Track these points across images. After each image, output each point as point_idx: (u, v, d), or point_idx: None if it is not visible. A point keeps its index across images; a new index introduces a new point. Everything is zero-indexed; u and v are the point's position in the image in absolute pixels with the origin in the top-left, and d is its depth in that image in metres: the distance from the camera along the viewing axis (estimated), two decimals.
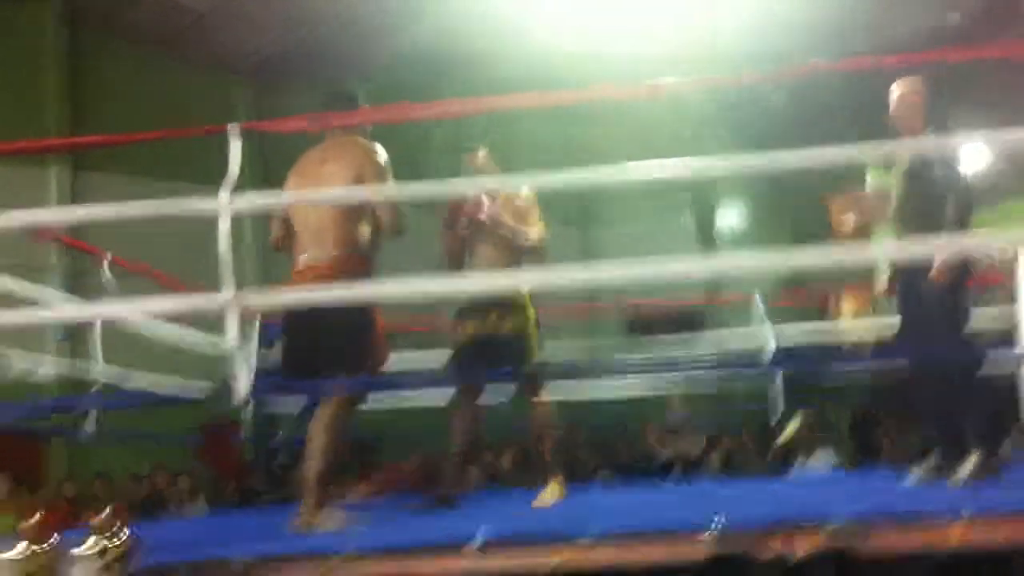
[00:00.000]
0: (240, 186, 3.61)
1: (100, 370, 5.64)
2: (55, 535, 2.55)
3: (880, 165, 4.65)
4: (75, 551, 2.50)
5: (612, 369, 5.72)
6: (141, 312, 3.90)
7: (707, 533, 2.44)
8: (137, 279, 6.14)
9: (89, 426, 5.64)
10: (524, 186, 4.91)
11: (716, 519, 2.49)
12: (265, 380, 6.81)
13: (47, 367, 6.48)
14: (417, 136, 11.45)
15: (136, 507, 9.73)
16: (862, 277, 5.50)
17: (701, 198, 19.82)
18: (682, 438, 8.99)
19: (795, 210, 20.56)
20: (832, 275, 6.62)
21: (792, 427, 7.75)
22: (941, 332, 4.16)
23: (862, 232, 4.82)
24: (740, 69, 7.48)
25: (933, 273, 4.08)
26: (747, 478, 7.83)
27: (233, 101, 15.53)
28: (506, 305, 4.80)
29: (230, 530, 3.88)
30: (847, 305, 6.30)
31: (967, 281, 4.23)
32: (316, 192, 4.13)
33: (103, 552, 2.47)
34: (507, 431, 6.57)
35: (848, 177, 4.86)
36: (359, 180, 4.05)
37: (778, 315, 7.49)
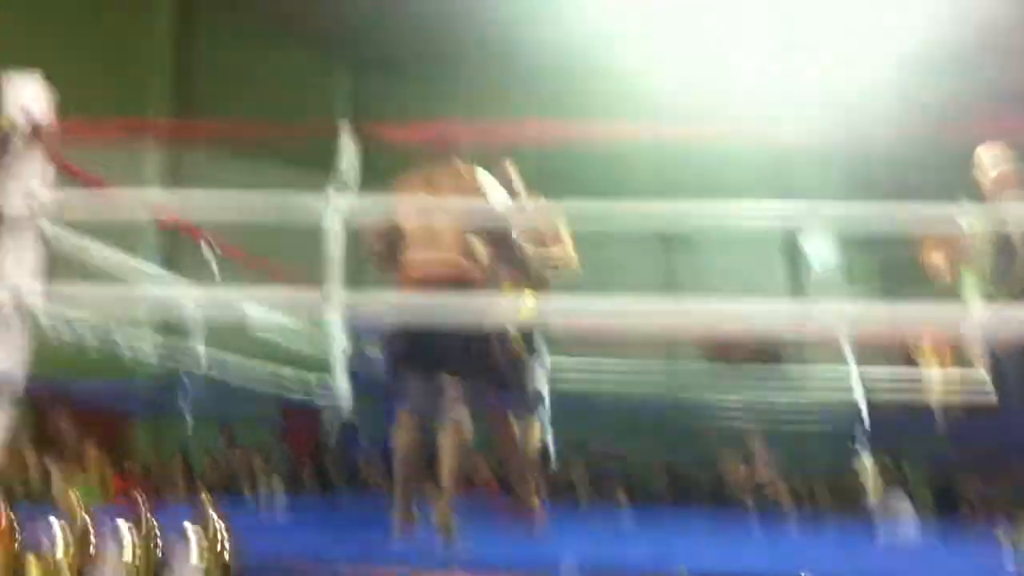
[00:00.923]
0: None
1: (198, 354, 5.74)
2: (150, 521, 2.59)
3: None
4: (174, 544, 2.54)
5: (699, 415, 5.66)
6: (247, 300, 3.92)
7: None
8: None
9: (183, 410, 5.76)
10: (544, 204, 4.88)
11: None
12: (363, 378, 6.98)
13: (145, 345, 6.62)
14: None
15: (214, 485, 9.95)
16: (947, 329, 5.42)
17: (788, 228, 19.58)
18: (760, 471, 8.90)
19: (888, 241, 20.27)
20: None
21: (870, 473, 7.64)
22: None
23: (952, 273, 4.77)
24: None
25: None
26: (832, 529, 7.72)
27: (335, 80, 15.75)
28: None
29: (328, 529, 3.92)
30: (927, 353, 6.18)
31: None
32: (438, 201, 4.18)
33: (201, 546, 2.52)
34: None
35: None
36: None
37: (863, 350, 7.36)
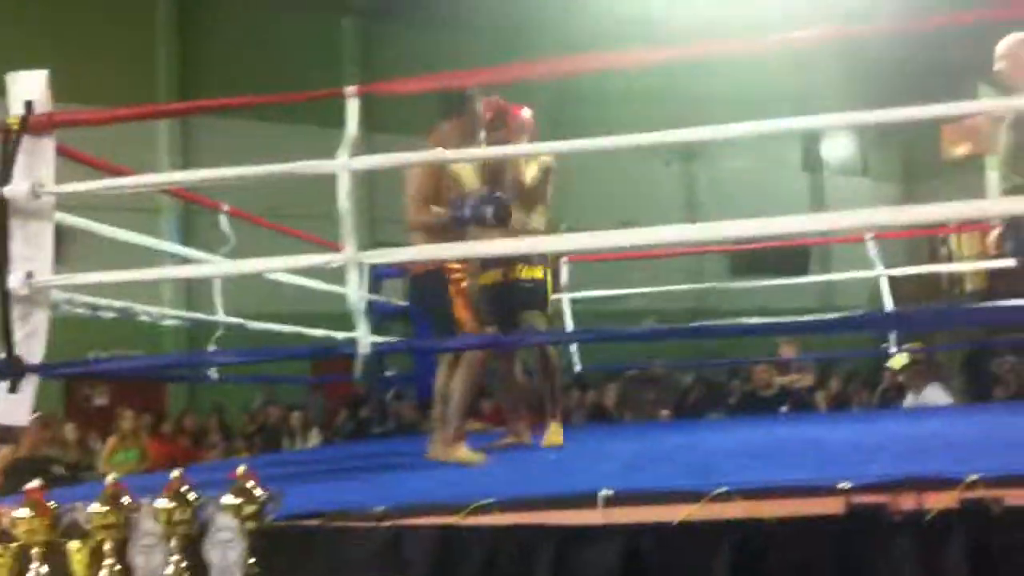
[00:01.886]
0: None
1: (221, 318, 5.79)
2: (188, 488, 2.62)
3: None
4: (213, 508, 2.57)
5: (723, 328, 5.67)
6: (264, 267, 3.97)
7: (841, 487, 2.43)
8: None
9: (212, 372, 5.83)
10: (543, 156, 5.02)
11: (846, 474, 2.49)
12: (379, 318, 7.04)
13: (168, 314, 6.67)
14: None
15: (253, 441, 10.08)
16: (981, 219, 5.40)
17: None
18: (791, 374, 8.90)
19: (906, 135, 20.13)
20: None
21: (900, 359, 7.63)
22: None
23: (973, 160, 4.79)
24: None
25: None
26: (859, 414, 7.76)
27: (342, 35, 15.65)
28: (527, 257, 5.03)
29: (365, 477, 3.97)
30: (967, 245, 6.15)
31: None
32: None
33: (240, 509, 2.55)
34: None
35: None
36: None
37: (889, 248, 7.32)
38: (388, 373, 7.94)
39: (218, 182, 4.31)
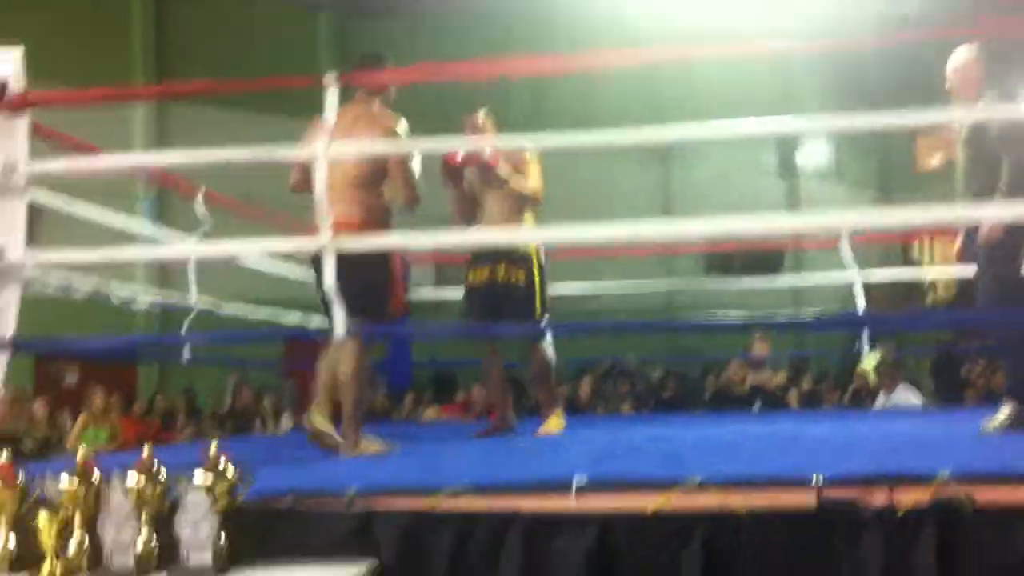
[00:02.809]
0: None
1: (194, 300, 5.77)
2: (159, 465, 2.61)
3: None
4: (184, 485, 2.56)
5: (699, 324, 5.70)
6: (243, 250, 3.98)
7: (813, 481, 2.45)
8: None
9: (185, 354, 5.81)
10: (528, 144, 4.98)
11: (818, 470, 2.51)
12: None
13: (140, 295, 6.63)
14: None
15: (224, 425, 10.02)
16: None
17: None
18: (764, 372, 8.95)
19: (882, 143, 20.26)
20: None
21: (872, 360, 7.69)
22: (994, 294, 4.18)
23: (947, 170, 4.82)
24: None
25: (982, 236, 4.13)
26: (830, 413, 7.81)
27: (318, 29, 15.60)
28: (515, 256, 5.09)
29: (335, 459, 3.96)
30: (938, 251, 6.21)
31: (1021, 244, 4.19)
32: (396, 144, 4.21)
33: (212, 487, 2.54)
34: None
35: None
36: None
37: (861, 250, 7.37)
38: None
39: (196, 165, 4.31)
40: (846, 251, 6.79)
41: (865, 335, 7.23)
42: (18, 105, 3.61)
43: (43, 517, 2.51)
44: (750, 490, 2.48)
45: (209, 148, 3.91)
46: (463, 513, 2.61)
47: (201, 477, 2.56)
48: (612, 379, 10.88)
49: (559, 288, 7.62)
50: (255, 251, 3.92)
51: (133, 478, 2.57)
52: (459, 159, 4.99)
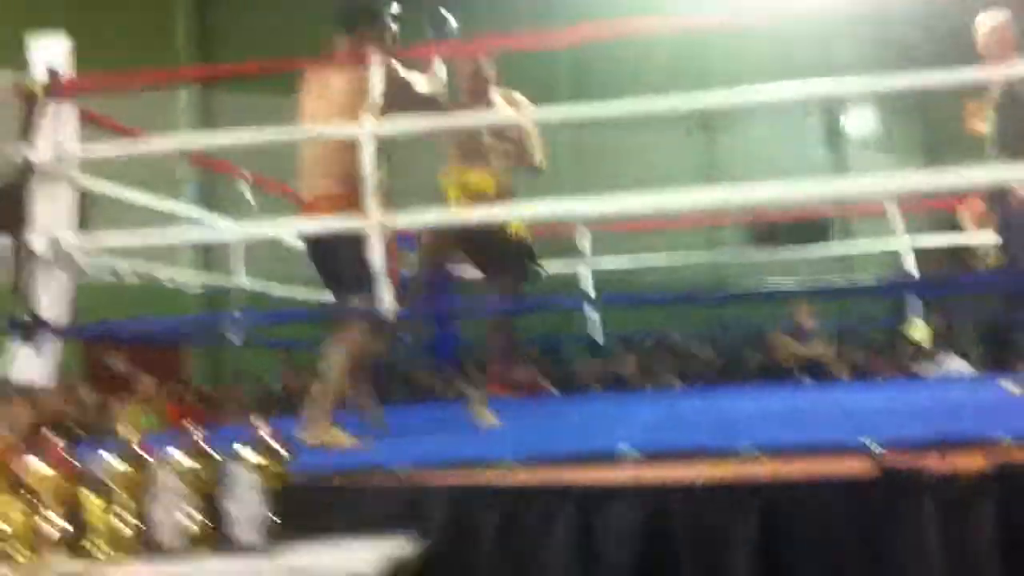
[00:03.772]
0: None
1: (242, 282, 5.79)
2: (207, 445, 2.60)
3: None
4: (234, 464, 2.55)
5: (743, 293, 5.52)
6: (289, 232, 3.95)
7: (869, 449, 2.39)
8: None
9: (235, 337, 5.82)
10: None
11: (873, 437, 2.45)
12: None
13: (189, 279, 6.67)
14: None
15: (270, 408, 10.08)
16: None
17: (830, 99, 19.27)
18: (811, 344, 8.86)
19: (929, 110, 19.90)
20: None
21: (920, 329, 7.58)
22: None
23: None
24: None
25: (1018, 197, 4.12)
26: (881, 383, 7.72)
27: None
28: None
29: (384, 438, 3.95)
30: (971, 216, 6.09)
31: None
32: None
33: (260, 466, 2.53)
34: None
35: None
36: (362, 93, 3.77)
37: (910, 218, 7.25)
38: (406, 340, 7.91)
39: (240, 147, 4.31)
40: (895, 216, 6.67)
41: (913, 303, 7.10)
42: (67, 92, 3.64)
43: (94, 499, 2.52)
44: (806, 458, 2.43)
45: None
46: (514, 487, 2.58)
47: (249, 455, 2.56)
48: (657, 354, 10.82)
49: (603, 263, 7.59)
50: (304, 230, 3.88)
51: (183, 458, 2.57)
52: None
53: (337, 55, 3.96)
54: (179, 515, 2.52)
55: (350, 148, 3.69)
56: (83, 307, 3.94)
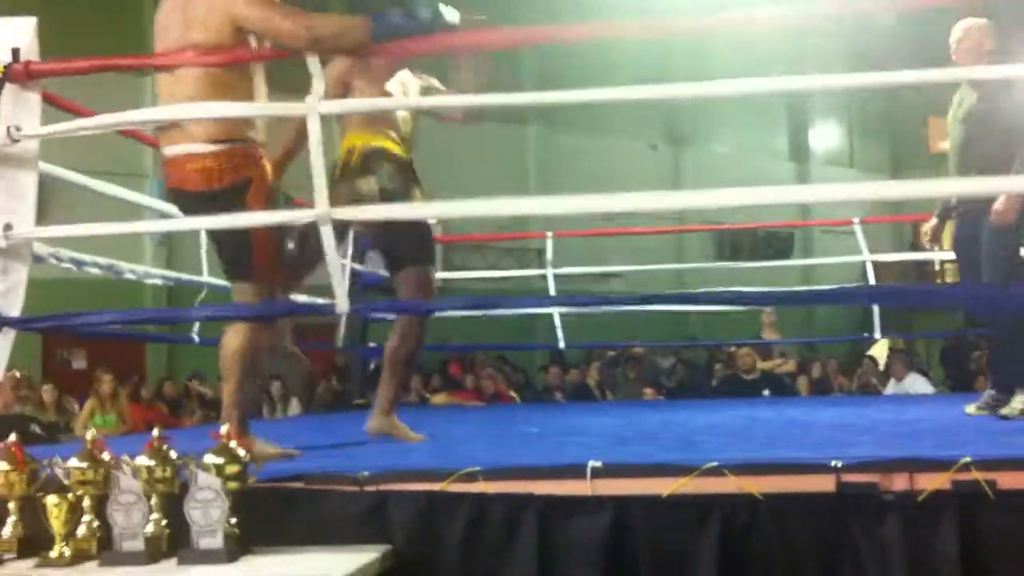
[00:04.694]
0: None
1: (205, 278, 5.72)
2: (168, 448, 2.57)
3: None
4: (195, 467, 2.51)
5: (706, 298, 5.36)
6: (240, 223, 3.75)
7: (832, 465, 2.41)
8: None
9: (195, 333, 5.77)
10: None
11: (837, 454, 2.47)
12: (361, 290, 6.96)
13: (149, 273, 6.58)
14: None
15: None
16: None
17: (796, 115, 19.46)
18: (774, 358, 8.93)
19: (896, 128, 20.12)
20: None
21: (881, 347, 7.66)
22: (997, 273, 4.13)
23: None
24: None
25: (995, 210, 4.04)
26: (841, 399, 7.78)
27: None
28: None
29: (345, 443, 3.93)
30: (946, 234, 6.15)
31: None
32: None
33: (222, 470, 2.50)
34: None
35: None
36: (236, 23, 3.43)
37: (873, 233, 7.33)
38: (371, 345, 7.86)
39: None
40: (857, 232, 6.73)
41: (876, 320, 7.17)
42: (29, 76, 3.54)
43: (52, 500, 2.49)
44: (768, 474, 2.45)
45: None
46: (477, 495, 2.57)
47: (211, 460, 2.52)
48: (620, 366, 10.85)
49: (568, 270, 7.60)
50: (254, 222, 3.65)
51: (143, 460, 2.53)
52: None
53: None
54: (139, 520, 2.48)
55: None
56: (39, 303, 3.87)
